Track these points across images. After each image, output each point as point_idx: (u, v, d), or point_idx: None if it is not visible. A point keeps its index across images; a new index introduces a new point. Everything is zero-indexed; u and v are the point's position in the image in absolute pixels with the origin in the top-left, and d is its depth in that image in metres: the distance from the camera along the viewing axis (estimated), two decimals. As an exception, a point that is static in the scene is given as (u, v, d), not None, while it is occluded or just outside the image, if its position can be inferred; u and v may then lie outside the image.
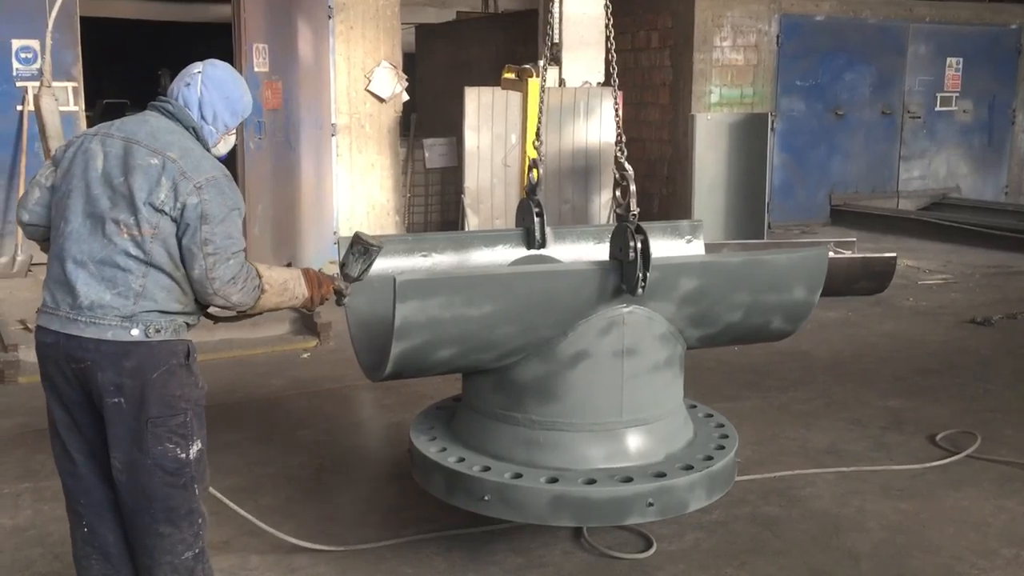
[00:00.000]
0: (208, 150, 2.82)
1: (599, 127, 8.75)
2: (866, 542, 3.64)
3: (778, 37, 10.92)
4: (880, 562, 3.50)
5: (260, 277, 2.79)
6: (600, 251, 3.86)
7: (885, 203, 11.94)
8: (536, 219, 3.76)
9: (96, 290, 2.61)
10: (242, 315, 2.96)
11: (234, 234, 2.70)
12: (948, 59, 12.20)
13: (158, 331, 2.65)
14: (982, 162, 12.82)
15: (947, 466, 4.34)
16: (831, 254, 7.96)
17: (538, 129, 3.80)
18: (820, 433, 4.78)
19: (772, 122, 10.61)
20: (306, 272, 2.97)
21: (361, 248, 3.06)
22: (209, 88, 2.80)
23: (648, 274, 3.01)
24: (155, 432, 2.67)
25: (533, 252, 3.77)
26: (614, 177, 3.11)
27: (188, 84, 2.80)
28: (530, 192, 3.76)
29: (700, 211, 8.94)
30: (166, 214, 2.62)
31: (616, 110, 3.27)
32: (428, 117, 12.36)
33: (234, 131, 2.93)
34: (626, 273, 3.06)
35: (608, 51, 3.38)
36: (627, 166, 3.09)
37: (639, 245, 3.01)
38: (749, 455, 4.46)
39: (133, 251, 2.61)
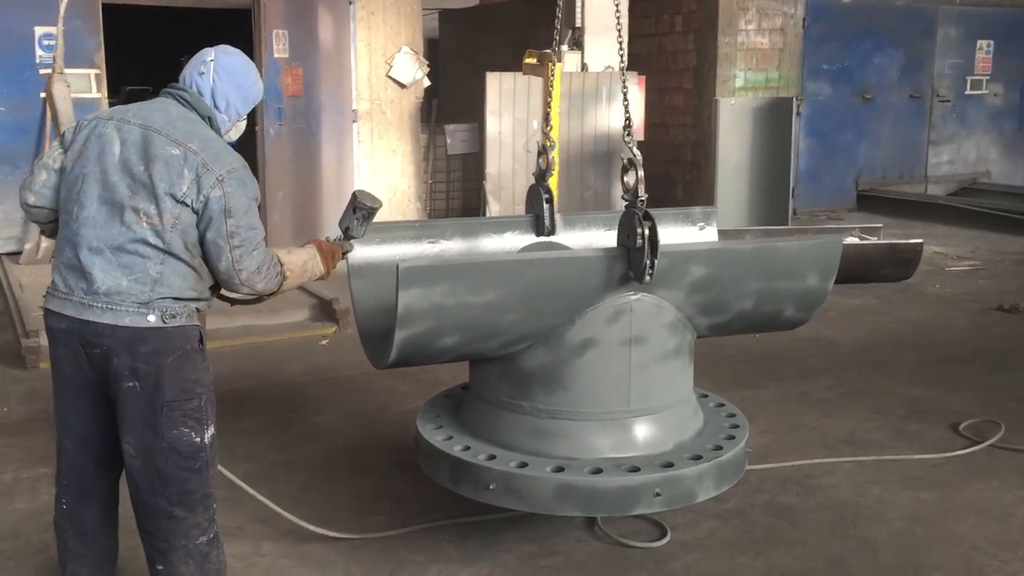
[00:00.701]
0: (220, 137, 2.83)
1: (622, 112, 8.68)
2: (884, 532, 3.59)
3: (804, 20, 10.76)
4: (898, 552, 3.45)
5: (281, 264, 2.86)
6: (610, 238, 3.82)
7: (913, 188, 11.78)
8: (545, 205, 3.72)
9: (113, 276, 2.62)
10: (259, 298, 3.02)
11: (256, 224, 2.75)
12: (979, 42, 11.99)
13: (173, 316, 2.67)
14: (1013, 147, 12.61)
15: (969, 456, 4.27)
16: (856, 240, 7.90)
17: (547, 114, 3.74)
18: (840, 421, 4.72)
19: (798, 106, 10.49)
20: (319, 246, 3.07)
21: (364, 210, 3.19)
22: (222, 77, 2.81)
23: (656, 261, 2.96)
24: (170, 416, 2.69)
25: (542, 239, 3.73)
26: (622, 163, 3.05)
27: (202, 73, 2.81)
28: (539, 178, 3.72)
29: (723, 197, 8.86)
30: (187, 206, 2.64)
31: (624, 94, 3.20)
32: (452, 103, 12.33)
33: (245, 118, 2.95)
34: (634, 260, 3.02)
35: (619, 32, 3.32)
36: (635, 151, 3.04)
37: (647, 232, 2.96)
38: (767, 444, 4.42)
39: (152, 239, 2.63)
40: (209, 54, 2.85)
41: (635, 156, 3.04)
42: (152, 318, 2.64)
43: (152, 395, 2.67)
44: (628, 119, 3.15)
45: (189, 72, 2.83)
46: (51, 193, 2.79)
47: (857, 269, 7.63)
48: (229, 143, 2.86)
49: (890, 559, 3.41)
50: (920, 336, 6.30)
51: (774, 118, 9.01)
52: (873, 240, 7.95)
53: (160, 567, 2.79)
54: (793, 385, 5.29)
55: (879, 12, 11.35)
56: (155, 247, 2.63)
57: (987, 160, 12.47)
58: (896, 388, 5.22)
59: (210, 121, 2.80)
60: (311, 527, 3.48)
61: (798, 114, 10.65)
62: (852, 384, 5.30)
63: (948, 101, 12.00)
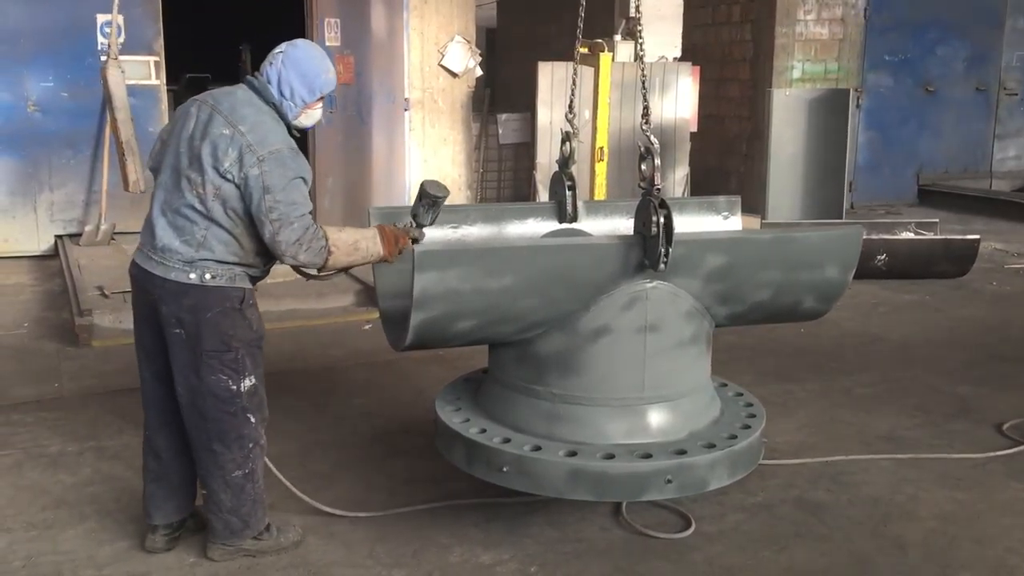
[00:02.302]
0: (289, 123, 3.13)
1: (674, 103, 8.61)
2: (916, 531, 3.53)
3: (866, 10, 10.52)
4: (928, 552, 3.39)
5: (327, 239, 3.04)
6: (631, 225, 3.81)
7: (977, 184, 11.46)
8: (568, 192, 3.72)
9: (168, 235, 3.04)
10: (325, 274, 3.25)
11: (297, 200, 2.99)
12: (1050, 33, 11.61)
13: (213, 277, 3.03)
14: (1083, 141, 12.19)
15: (1011, 456, 4.17)
16: (911, 235, 7.74)
17: (571, 102, 3.74)
18: (880, 419, 4.64)
19: (857, 98, 10.27)
20: (382, 230, 3.22)
21: (429, 199, 3.27)
22: (287, 67, 3.10)
23: (671, 249, 2.95)
24: (209, 364, 3.07)
25: (564, 225, 3.73)
26: (639, 151, 3.04)
27: (271, 64, 3.12)
28: (562, 165, 3.72)
29: (776, 190, 8.72)
30: (230, 180, 2.98)
31: (642, 83, 3.19)
32: (510, 93, 12.33)
33: (317, 105, 3.20)
34: (649, 248, 3.02)
35: (638, 21, 3.32)
36: (652, 139, 3.03)
37: (662, 220, 2.96)
38: (803, 439, 4.37)
39: (198, 206, 3.00)
40: (281, 47, 3.17)
41: (652, 144, 3.03)
42: (193, 276, 3.02)
43: (194, 343, 3.06)
44: (646, 107, 3.14)
45: (265, 63, 3.15)
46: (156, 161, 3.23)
47: (911, 264, 7.49)
48: (303, 128, 3.22)
49: (918, 558, 3.35)
50: (972, 334, 6.15)
51: (831, 110, 8.82)
52: (929, 235, 7.78)
53: (205, 492, 3.24)
54: (836, 380, 5.21)
55: (944, 2, 11.05)
56: (200, 213, 3.00)
57: (1056, 156, 12.09)
58: (942, 386, 5.11)
59: (276, 108, 3.10)
60: (321, 506, 3.55)
61: (858, 106, 10.44)
62: (897, 381, 5.21)
63: (1016, 94, 11.65)
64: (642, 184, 3.04)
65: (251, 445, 3.19)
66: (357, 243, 3.13)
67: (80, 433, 4.38)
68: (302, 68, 3.10)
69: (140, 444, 4.20)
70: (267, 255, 3.14)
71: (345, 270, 3.32)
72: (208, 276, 3.03)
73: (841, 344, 5.85)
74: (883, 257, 7.30)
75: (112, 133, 7.68)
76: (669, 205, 2.94)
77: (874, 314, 6.52)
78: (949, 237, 7.79)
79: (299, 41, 3.22)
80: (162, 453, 3.30)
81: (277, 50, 3.16)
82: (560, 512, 3.58)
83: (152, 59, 8.33)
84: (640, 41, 3.28)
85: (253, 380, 3.15)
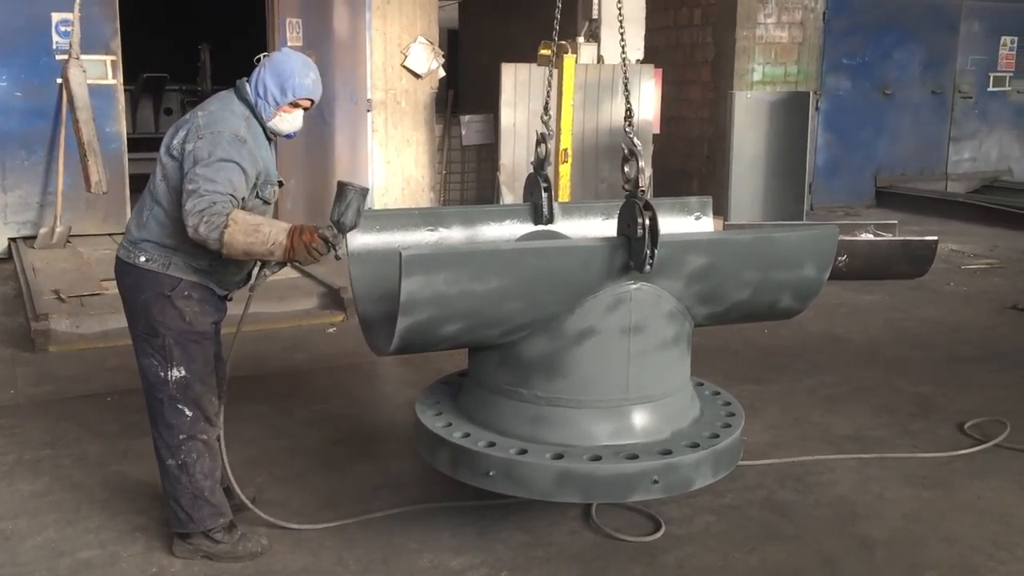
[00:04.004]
0: (265, 126, 3.19)
1: (637, 105, 8.63)
2: (882, 530, 3.56)
3: (825, 14, 10.65)
4: (894, 551, 3.42)
5: (229, 216, 2.92)
6: (607, 227, 3.80)
7: (933, 185, 11.66)
8: (544, 194, 3.71)
9: (132, 217, 3.24)
10: (267, 271, 3.19)
11: (216, 178, 2.96)
12: (1003, 38, 11.85)
13: (147, 260, 3.12)
14: (1036, 144, 12.45)
15: (973, 455, 4.22)
16: (870, 236, 7.83)
17: (547, 103, 3.72)
18: (845, 419, 4.68)
19: (816, 101, 10.39)
20: (295, 226, 3.00)
21: (349, 195, 3.02)
22: (266, 67, 3.18)
23: (656, 251, 2.95)
24: (141, 346, 3.20)
25: (540, 227, 3.72)
26: (622, 152, 3.03)
27: (255, 66, 3.22)
28: (537, 167, 3.71)
29: (738, 192, 8.80)
30: (175, 158, 3.08)
31: (624, 84, 3.19)
32: (471, 94, 12.31)
33: (294, 111, 3.22)
34: (634, 250, 3.01)
35: (620, 24, 3.32)
36: (636, 141, 3.02)
37: (647, 222, 2.95)
38: (769, 439, 4.39)
39: (151, 187, 3.15)
40: (268, 53, 3.27)
41: (635, 146, 3.02)
42: (131, 256, 3.14)
43: (132, 324, 3.23)
44: (629, 109, 3.13)
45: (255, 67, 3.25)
46: None
47: (871, 266, 7.58)
48: (283, 135, 3.28)
49: (885, 557, 3.38)
50: (932, 334, 6.24)
51: (791, 112, 8.92)
52: (888, 237, 7.88)
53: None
54: (800, 381, 5.25)
55: (901, 6, 11.22)
56: (151, 193, 3.14)
57: (1009, 158, 12.33)
58: (904, 386, 5.17)
59: (252, 108, 3.16)
60: (276, 521, 3.45)
61: (817, 109, 10.56)
62: (860, 381, 5.26)
63: (970, 97, 11.86)
64: (626, 186, 3.03)
65: (182, 437, 3.20)
66: (259, 226, 2.93)
67: (37, 441, 4.28)
68: (278, 69, 3.16)
69: (98, 451, 4.16)
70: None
71: (257, 258, 3.08)
72: (143, 259, 3.12)
73: (805, 344, 5.90)
74: (844, 258, 7.37)
75: (74, 134, 7.53)
76: (654, 207, 2.93)
77: (836, 315, 6.58)
78: (908, 238, 7.90)
79: (286, 48, 3.36)
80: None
81: (264, 55, 3.26)
82: (530, 516, 3.56)
83: (109, 58, 8.18)
84: (622, 44, 3.28)
85: (183, 372, 3.17)
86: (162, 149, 3.13)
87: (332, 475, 3.99)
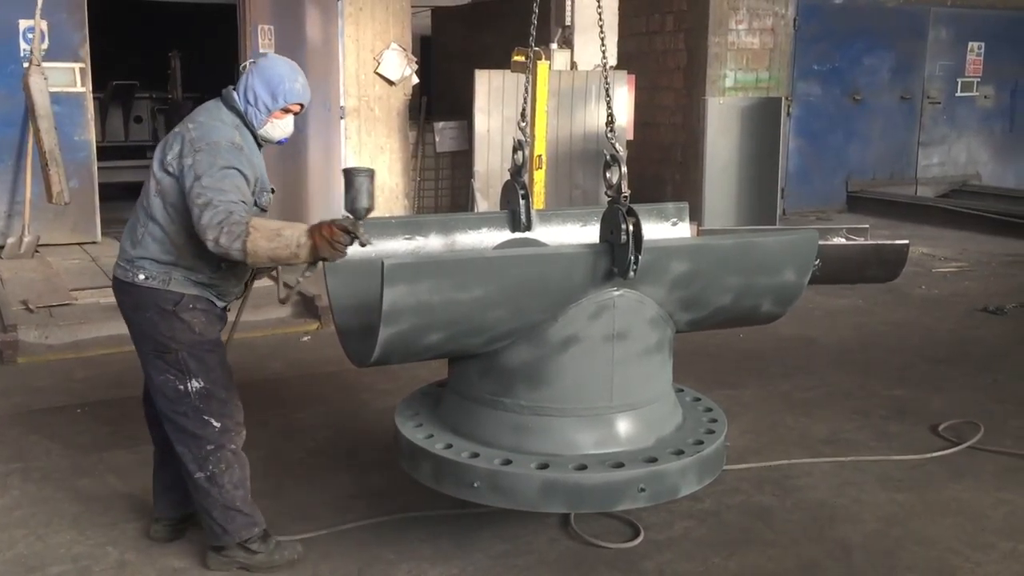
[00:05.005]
0: (256, 134, 3.16)
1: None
2: (859, 533, 3.57)
3: (795, 20, 10.74)
4: (872, 554, 3.43)
5: (248, 223, 2.88)
6: (585, 234, 3.79)
7: (903, 190, 11.75)
8: (521, 201, 3.69)
9: (125, 235, 3.17)
10: (267, 269, 3.28)
11: (225, 188, 2.94)
12: (970, 44, 11.97)
13: (147, 278, 3.08)
14: (1003, 149, 12.60)
15: (948, 457, 4.25)
16: (842, 241, 7.89)
17: (523, 110, 3.71)
18: (821, 422, 4.70)
19: (787, 107, 10.46)
20: (313, 225, 2.94)
21: (358, 180, 2.96)
22: (253, 74, 3.14)
23: (640, 257, 2.94)
24: (155, 364, 3.14)
25: (518, 235, 3.70)
26: (605, 159, 3.02)
27: (241, 74, 3.18)
28: (515, 174, 3.69)
29: (711, 197, 8.83)
30: (171, 174, 3.03)
31: (606, 90, 3.18)
32: (445, 101, 12.28)
33: (285, 116, 3.21)
34: (618, 256, 2.98)
35: (600, 28, 3.32)
36: (618, 147, 3.01)
37: (631, 228, 2.93)
38: (746, 443, 4.40)
39: (145, 203, 3.09)
40: (254, 59, 3.23)
41: (618, 152, 3.01)
42: (130, 275, 3.09)
43: (140, 342, 3.17)
44: (611, 115, 3.13)
45: (240, 74, 3.21)
46: None
47: (843, 270, 7.61)
48: (274, 141, 3.24)
49: (863, 560, 3.39)
50: (904, 337, 6.29)
51: (763, 118, 8.97)
52: (859, 241, 7.93)
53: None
54: (775, 385, 5.27)
55: (870, 13, 11.33)
56: (144, 210, 3.09)
57: (977, 162, 12.47)
58: (878, 389, 5.20)
59: (242, 116, 3.13)
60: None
61: (788, 115, 10.63)
62: (835, 384, 5.29)
63: (939, 103, 11.99)
64: (608, 192, 3.01)
65: (210, 447, 3.16)
66: (280, 230, 2.89)
67: (6, 454, 4.20)
68: (267, 75, 3.13)
69: (68, 465, 4.10)
70: (213, 259, 3.05)
71: (275, 263, 3.05)
72: (142, 276, 3.08)
73: (779, 349, 5.92)
74: (816, 263, 7.40)
75: (36, 143, 7.42)
76: (637, 213, 2.92)
77: (810, 318, 6.62)
78: (880, 243, 7.94)
79: (271, 54, 3.35)
80: (157, 450, 3.42)
81: (251, 60, 3.23)
82: (509, 524, 3.54)
83: (77, 66, 8.08)
84: (603, 48, 3.27)
85: (202, 383, 3.13)
86: (155, 164, 3.08)
87: (308, 486, 3.95)
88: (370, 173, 2.99)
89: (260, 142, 3.22)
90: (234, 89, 3.17)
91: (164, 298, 3.07)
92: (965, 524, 3.64)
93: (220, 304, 3.24)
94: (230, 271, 3.16)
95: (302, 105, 3.23)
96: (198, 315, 3.12)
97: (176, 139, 3.06)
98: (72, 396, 4.97)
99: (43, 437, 4.40)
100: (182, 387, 3.12)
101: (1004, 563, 3.37)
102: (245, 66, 3.21)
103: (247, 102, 3.14)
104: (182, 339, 3.09)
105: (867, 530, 3.60)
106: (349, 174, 2.98)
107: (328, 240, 2.90)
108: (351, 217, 2.99)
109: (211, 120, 3.09)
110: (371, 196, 2.98)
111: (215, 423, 3.16)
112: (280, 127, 3.21)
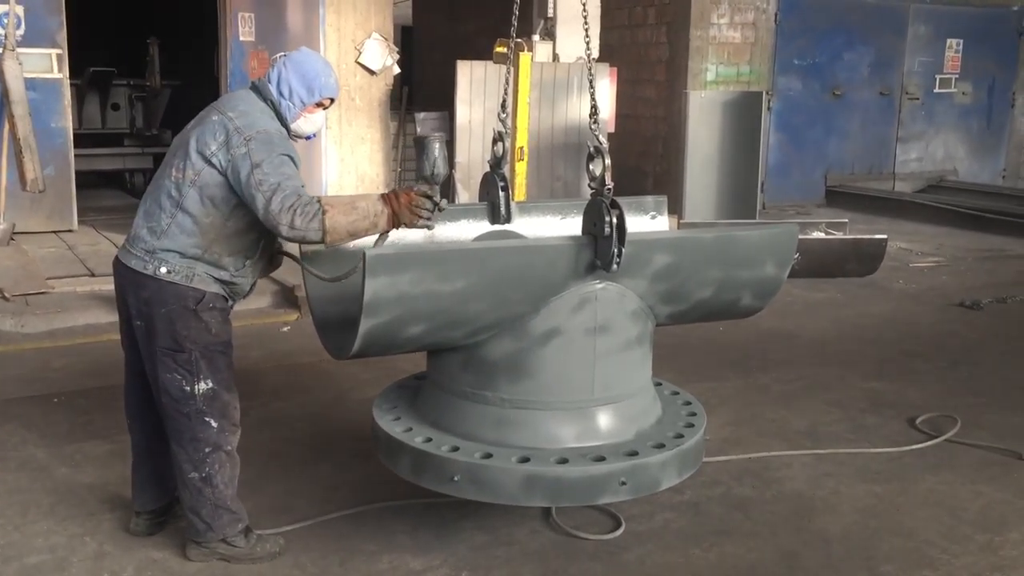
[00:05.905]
0: (288, 128, 3.11)
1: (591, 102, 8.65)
2: (838, 525, 3.60)
3: (776, 15, 10.78)
4: (851, 545, 3.46)
5: (319, 201, 2.89)
6: (565, 226, 3.77)
7: (881, 185, 11.85)
8: (501, 193, 3.67)
9: (140, 222, 3.06)
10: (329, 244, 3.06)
11: (288, 173, 2.92)
12: (948, 40, 12.07)
13: (169, 272, 2.99)
14: (980, 145, 12.72)
15: (925, 450, 4.29)
16: (821, 235, 7.94)
17: (504, 101, 3.70)
18: (800, 415, 4.73)
19: (768, 101, 10.50)
20: (382, 193, 3.03)
21: (431, 147, 3.04)
22: (287, 67, 3.11)
23: (623, 250, 2.93)
24: (164, 361, 3.06)
25: (498, 227, 3.69)
26: (588, 151, 3.01)
27: (273, 66, 3.15)
28: (494, 165, 3.67)
29: (692, 190, 8.85)
30: (213, 165, 2.94)
31: (590, 82, 3.18)
32: (426, 91, 12.23)
33: (318, 112, 3.19)
34: (601, 249, 2.97)
35: (584, 19, 3.31)
36: (602, 139, 3.00)
37: (615, 220, 2.92)
38: (726, 436, 4.42)
39: (173, 192, 2.99)
40: (286, 53, 3.21)
41: (601, 144, 3.00)
42: (150, 268, 3.00)
43: (150, 338, 3.06)
44: (595, 107, 3.11)
45: (270, 66, 3.19)
46: None
47: (822, 264, 7.68)
48: (303, 136, 3.19)
49: (842, 551, 3.42)
50: (882, 331, 6.34)
51: (744, 112, 8.99)
52: (838, 235, 7.99)
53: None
54: (755, 378, 5.30)
55: (850, 9, 11.39)
56: (172, 200, 2.98)
57: (954, 158, 12.57)
58: (856, 382, 5.24)
59: (275, 108, 3.09)
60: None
61: (768, 109, 10.68)
62: (813, 377, 5.32)
63: (917, 99, 12.08)
64: (592, 184, 3.00)
65: (208, 449, 3.13)
66: (353, 202, 2.94)
67: (-20, 444, 4.16)
68: (302, 69, 3.11)
69: (45, 455, 4.05)
70: (240, 255, 3.06)
71: (349, 238, 3.01)
72: (164, 270, 3.00)
73: (759, 342, 5.95)
74: (796, 256, 7.45)
75: (9, 129, 7.32)
76: (621, 205, 2.92)
77: (789, 312, 6.66)
78: (858, 237, 8.01)
79: (303, 48, 3.28)
80: (137, 443, 3.35)
81: (282, 54, 3.23)
82: (490, 515, 3.54)
83: (54, 52, 7.98)
84: (587, 40, 3.26)
85: (210, 384, 3.09)
86: (192, 154, 2.97)
87: (288, 477, 3.93)
88: (444, 140, 3.09)
89: (291, 137, 3.17)
90: (268, 82, 3.12)
91: (186, 295, 3.01)
92: (942, 516, 3.68)
93: (232, 301, 3.21)
94: (251, 269, 3.14)
95: (332, 100, 3.22)
96: (216, 315, 3.08)
97: (218, 128, 2.97)
98: (48, 386, 4.92)
99: (20, 427, 4.35)
100: (189, 388, 3.07)
101: (980, 555, 3.40)
102: (276, 59, 3.19)
103: (281, 95, 3.10)
104: (197, 339, 3.04)
105: (845, 522, 3.62)
106: (424, 142, 3.04)
107: (408, 207, 2.97)
108: (428, 183, 3.05)
109: (253, 110, 3.05)
110: (446, 162, 3.09)
111: (214, 424, 3.13)
112: (312, 122, 3.18)
